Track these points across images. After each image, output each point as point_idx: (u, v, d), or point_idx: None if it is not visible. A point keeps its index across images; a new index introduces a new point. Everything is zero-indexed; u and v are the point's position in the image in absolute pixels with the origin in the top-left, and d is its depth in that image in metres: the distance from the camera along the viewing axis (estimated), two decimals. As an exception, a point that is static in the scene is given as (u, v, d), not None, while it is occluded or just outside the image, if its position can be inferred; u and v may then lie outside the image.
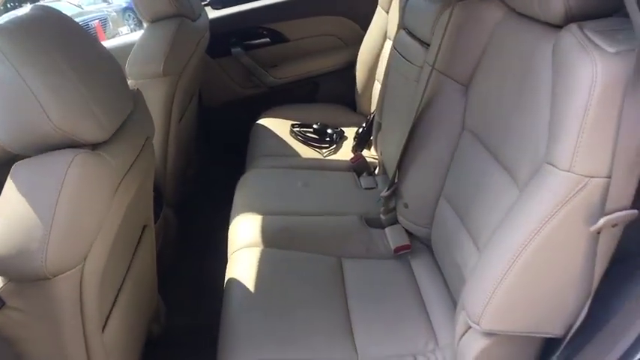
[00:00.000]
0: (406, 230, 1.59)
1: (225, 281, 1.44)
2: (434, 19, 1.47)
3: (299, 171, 1.92)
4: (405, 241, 1.56)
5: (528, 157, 1.05)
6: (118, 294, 1.23)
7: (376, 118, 1.95)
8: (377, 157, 2.02)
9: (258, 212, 1.65)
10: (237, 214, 1.66)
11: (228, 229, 1.70)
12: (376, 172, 2.01)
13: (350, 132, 2.25)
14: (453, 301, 1.36)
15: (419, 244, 1.58)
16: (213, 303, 1.62)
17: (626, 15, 0.86)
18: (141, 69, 1.71)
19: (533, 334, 1.07)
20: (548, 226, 0.92)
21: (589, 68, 0.83)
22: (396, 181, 1.56)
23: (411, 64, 1.55)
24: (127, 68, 1.71)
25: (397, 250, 1.54)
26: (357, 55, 2.40)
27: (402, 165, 1.52)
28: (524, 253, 0.95)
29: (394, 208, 1.61)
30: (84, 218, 0.96)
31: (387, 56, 1.98)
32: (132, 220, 1.26)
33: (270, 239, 1.54)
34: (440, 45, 1.36)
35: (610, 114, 0.83)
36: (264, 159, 2.01)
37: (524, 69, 1.09)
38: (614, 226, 0.89)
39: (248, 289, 1.37)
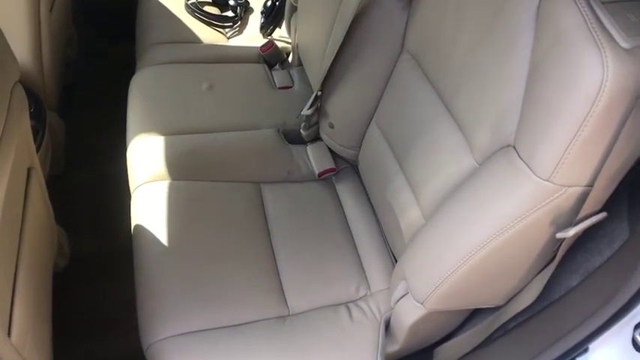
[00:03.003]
0: (329, 148, 1.44)
1: (132, 227, 1.25)
2: None
3: (201, 66, 1.62)
4: (329, 163, 1.42)
5: (489, 126, 0.91)
6: (15, 277, 1.02)
7: (290, -4, 1.64)
8: (289, 41, 1.75)
9: (159, 132, 1.39)
10: (134, 136, 1.39)
11: (123, 121, 1.47)
12: (289, 59, 1.76)
13: (255, 1, 1.91)
14: (382, 238, 1.29)
15: (343, 164, 1.45)
16: (115, 217, 1.46)
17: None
18: None
19: (475, 307, 1.05)
20: (515, 228, 0.82)
21: (598, 73, 0.66)
22: (318, 94, 1.35)
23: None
24: None
25: (321, 174, 1.40)
26: None
27: (327, 80, 1.31)
28: (482, 251, 0.87)
29: (316, 123, 1.43)
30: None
31: None
32: (14, 187, 1.01)
33: (177, 169, 1.33)
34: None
35: (610, 125, 0.69)
36: (157, 49, 1.67)
37: (492, 14, 0.89)
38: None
39: (159, 240, 1.20)
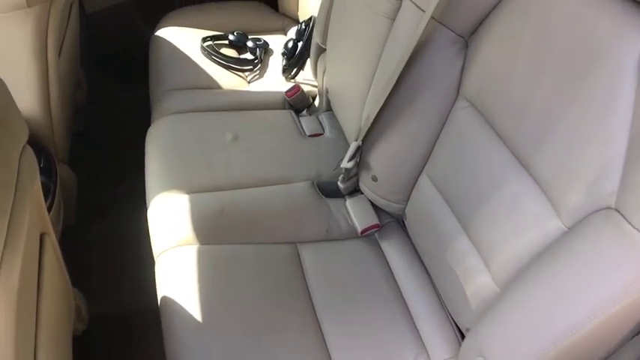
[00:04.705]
0: (371, 202, 1.31)
1: (159, 299, 1.11)
2: None
3: (222, 114, 1.50)
4: (373, 219, 1.28)
5: (582, 185, 0.79)
6: (35, 350, 0.88)
7: (316, 37, 1.53)
8: (315, 84, 1.64)
9: (181, 190, 1.26)
10: (155, 194, 1.26)
11: (139, 169, 1.36)
12: (316, 104, 1.65)
13: (275, 42, 1.81)
14: (439, 301, 1.16)
15: (387, 218, 1.32)
16: (134, 276, 1.37)
17: None
18: None
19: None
20: (623, 302, 0.70)
21: None
22: (360, 144, 1.23)
23: (383, -7, 1.15)
24: None
25: (364, 231, 1.27)
26: None
27: (369, 129, 1.19)
28: (583, 329, 0.74)
29: (356, 175, 1.31)
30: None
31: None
32: (28, 255, 0.88)
33: (204, 231, 1.20)
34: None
35: None
36: (173, 96, 1.55)
37: (586, 59, 0.78)
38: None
39: (191, 314, 1.06)
